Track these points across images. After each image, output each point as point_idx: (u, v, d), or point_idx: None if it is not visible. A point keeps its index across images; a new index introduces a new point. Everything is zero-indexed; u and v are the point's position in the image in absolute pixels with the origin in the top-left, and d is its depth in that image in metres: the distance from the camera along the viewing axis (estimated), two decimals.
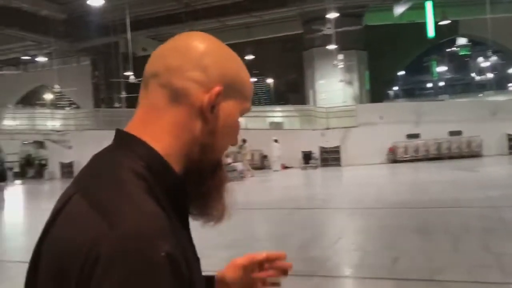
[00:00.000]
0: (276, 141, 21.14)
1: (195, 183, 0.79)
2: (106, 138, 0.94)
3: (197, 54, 0.76)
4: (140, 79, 0.83)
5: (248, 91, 0.82)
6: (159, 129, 0.76)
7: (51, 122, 28.67)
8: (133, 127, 0.78)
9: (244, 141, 19.54)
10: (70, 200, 0.71)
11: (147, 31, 27.12)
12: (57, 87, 26.30)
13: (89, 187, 0.71)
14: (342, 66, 24.78)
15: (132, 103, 17.83)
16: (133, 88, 22.08)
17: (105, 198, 0.67)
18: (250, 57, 28.59)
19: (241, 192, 15.23)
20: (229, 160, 18.28)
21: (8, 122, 29.79)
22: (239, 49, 27.04)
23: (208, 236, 7.35)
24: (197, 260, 0.80)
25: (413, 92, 62.42)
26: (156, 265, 0.62)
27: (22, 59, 32.81)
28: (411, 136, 21.65)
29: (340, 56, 24.01)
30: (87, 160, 0.78)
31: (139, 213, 0.65)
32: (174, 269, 0.64)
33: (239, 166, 18.33)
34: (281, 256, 0.99)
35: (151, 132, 0.76)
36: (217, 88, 0.75)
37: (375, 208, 9.82)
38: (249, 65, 26.86)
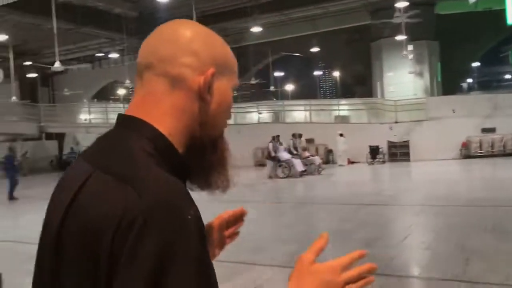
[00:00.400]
0: (341, 135, 20.73)
1: (197, 158, 0.84)
2: None
3: (186, 40, 0.80)
4: None
5: (235, 67, 0.88)
6: (160, 112, 0.79)
7: None
8: (133, 112, 0.81)
9: (300, 135, 19.16)
10: (90, 178, 0.74)
11: (213, 27, 27.41)
12: (128, 82, 27.24)
13: (108, 164, 0.74)
14: (412, 57, 23.84)
15: None
16: None
17: (128, 172, 0.72)
18: (315, 49, 28.20)
19: (305, 186, 15.17)
20: (306, 153, 18.01)
21: (84, 116, 31.49)
22: (304, 42, 26.99)
23: (271, 229, 7.33)
24: None
25: (489, 84, 58.98)
26: (185, 226, 0.68)
27: (97, 56, 34.39)
28: (486, 130, 20.44)
29: (410, 47, 23.11)
30: None
31: (163, 181, 0.71)
32: (200, 229, 0.70)
33: (316, 159, 17.89)
34: (243, 212, 1.08)
35: (152, 115, 0.79)
36: (210, 70, 0.79)
37: (446, 205, 9.34)
38: (315, 58, 26.41)
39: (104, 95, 43.11)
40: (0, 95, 34.69)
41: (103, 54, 30.17)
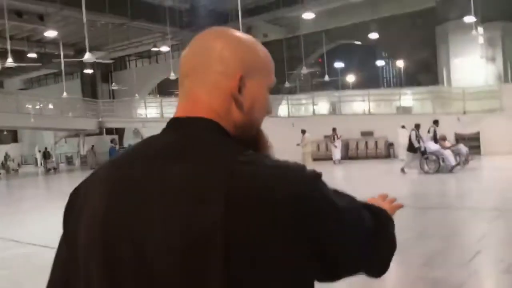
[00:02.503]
0: (403, 127, 19.15)
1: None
2: None
3: (216, 50, 0.88)
4: None
5: (268, 67, 0.94)
6: (207, 113, 0.87)
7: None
8: (185, 114, 0.89)
9: (303, 131, 17.68)
10: (233, 173, 0.77)
11: (267, 15, 26.48)
12: (172, 76, 26.91)
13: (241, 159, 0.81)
14: (483, 41, 21.72)
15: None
16: None
17: (269, 162, 0.83)
18: (375, 36, 26.44)
19: (346, 182, 13.57)
20: (447, 143, 15.30)
21: (140, 111, 31.71)
22: (364, 28, 25.32)
23: None
24: None
25: None
26: (325, 185, 0.84)
27: (153, 51, 34.47)
28: None
29: (480, 29, 21.01)
30: None
31: (288, 163, 0.83)
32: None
33: (462, 148, 15.22)
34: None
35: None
36: (238, 74, 0.87)
37: None
38: (376, 45, 24.69)
39: (162, 89, 43.52)
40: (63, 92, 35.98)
41: (157, 49, 30.01)
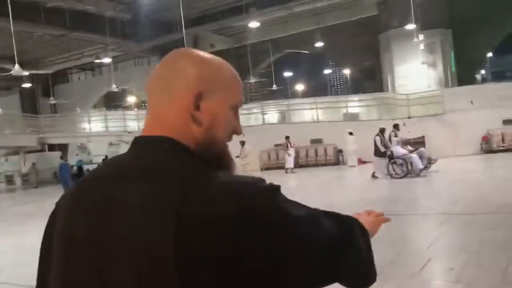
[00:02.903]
0: (351, 133, 19.30)
1: None
2: None
3: (178, 68, 0.91)
4: None
5: (232, 86, 0.94)
6: (166, 131, 0.89)
7: (125, 123, 28.91)
8: (146, 133, 0.92)
9: (242, 143, 16.99)
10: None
11: (213, 25, 26.16)
12: (114, 87, 26.04)
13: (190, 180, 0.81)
14: (423, 47, 22.32)
15: None
16: None
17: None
18: (321, 45, 26.68)
19: (302, 190, 13.33)
20: (409, 147, 15.09)
21: (84, 125, 30.47)
22: (308, 37, 25.42)
23: None
24: None
25: (504, 75, 56.78)
26: (283, 198, 0.85)
27: (96, 63, 33.35)
28: (509, 122, 18.83)
29: (421, 36, 21.58)
30: None
31: (246, 177, 0.85)
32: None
33: (425, 152, 14.84)
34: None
35: (161, 133, 0.89)
36: (196, 90, 0.88)
37: (476, 213, 7.86)
38: (321, 54, 24.76)
39: (108, 102, 42.21)
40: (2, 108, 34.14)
41: (100, 61, 29.00)
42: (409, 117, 20.33)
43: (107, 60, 26.45)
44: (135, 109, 39.56)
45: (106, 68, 35.59)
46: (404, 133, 19.65)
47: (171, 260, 0.72)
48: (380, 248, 5.49)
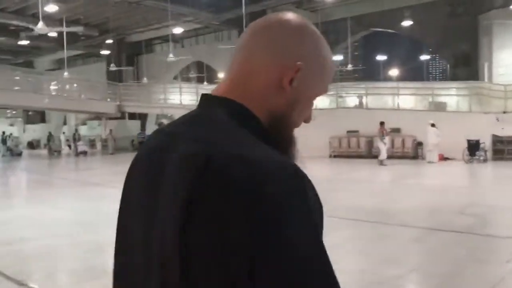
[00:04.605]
0: (433, 125, 17.23)
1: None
2: None
3: (281, 34, 0.83)
4: None
5: (328, 75, 0.88)
6: (241, 92, 0.83)
7: (197, 97, 28.64)
8: (217, 93, 0.86)
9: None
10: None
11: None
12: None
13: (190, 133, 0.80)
14: None
15: None
16: None
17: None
18: (408, 23, 24.11)
19: (364, 188, 11.67)
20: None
21: (161, 96, 30.62)
22: (394, 15, 23.01)
23: None
24: None
25: None
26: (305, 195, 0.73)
27: (177, 34, 33.23)
28: None
29: None
30: None
31: (279, 158, 0.75)
32: None
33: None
34: None
35: (235, 95, 0.83)
36: (297, 67, 0.81)
37: None
38: (408, 34, 22.14)
39: (186, 74, 42.41)
40: (88, 75, 35.47)
41: (180, 32, 28.66)
42: (504, 112, 17.78)
43: (179, 30, 26.02)
44: (205, 82, 39.32)
45: (188, 41, 35.53)
46: (497, 129, 17.27)
47: (179, 222, 0.69)
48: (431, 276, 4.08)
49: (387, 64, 51.55)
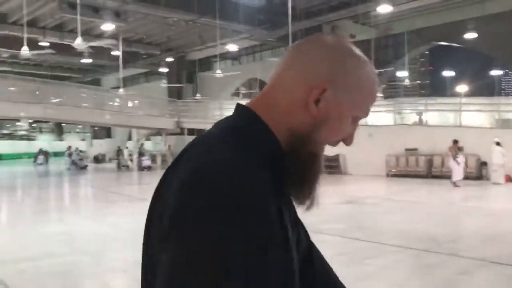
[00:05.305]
0: (498, 144, 15.97)
1: (294, 165, 0.85)
2: None
3: (311, 57, 0.84)
4: None
5: (365, 95, 0.85)
6: (265, 106, 0.86)
7: None
8: (248, 104, 0.89)
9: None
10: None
11: (348, 11, 23.96)
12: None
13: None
14: None
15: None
16: None
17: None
18: (472, 35, 22.68)
19: (418, 211, 10.78)
20: None
21: (216, 112, 30.97)
22: (459, 27, 21.75)
23: None
24: None
25: None
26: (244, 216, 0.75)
27: (233, 52, 33.57)
28: None
29: None
30: None
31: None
32: None
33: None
34: None
35: (258, 107, 0.86)
36: (324, 85, 0.82)
37: None
38: (473, 47, 20.73)
39: (246, 91, 42.58)
40: (149, 92, 36.65)
41: (237, 49, 28.90)
42: None
43: (233, 47, 26.22)
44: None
45: (246, 58, 35.85)
46: None
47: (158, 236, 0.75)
48: None
49: (455, 79, 49.18)
